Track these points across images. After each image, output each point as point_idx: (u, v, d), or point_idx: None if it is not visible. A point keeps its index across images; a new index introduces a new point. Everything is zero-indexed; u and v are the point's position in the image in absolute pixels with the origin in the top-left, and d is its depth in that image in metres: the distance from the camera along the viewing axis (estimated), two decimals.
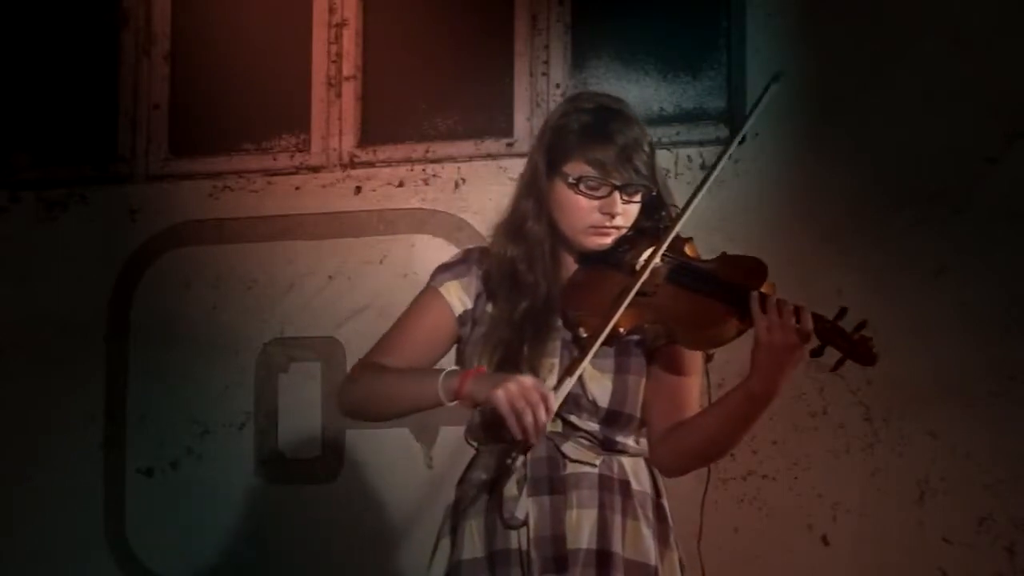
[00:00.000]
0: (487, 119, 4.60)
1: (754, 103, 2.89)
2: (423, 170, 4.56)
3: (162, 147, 4.78)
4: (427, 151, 4.58)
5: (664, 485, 2.93)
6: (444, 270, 3.03)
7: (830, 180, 4.17)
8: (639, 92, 4.42)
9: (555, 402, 2.70)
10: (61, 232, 4.77)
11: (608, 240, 2.88)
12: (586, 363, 2.78)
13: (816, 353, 2.69)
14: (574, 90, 4.52)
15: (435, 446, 4.42)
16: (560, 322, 2.88)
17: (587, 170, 2.85)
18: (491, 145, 4.54)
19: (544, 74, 4.52)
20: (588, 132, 2.87)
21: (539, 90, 4.52)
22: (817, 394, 4.14)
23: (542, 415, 2.66)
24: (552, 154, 2.91)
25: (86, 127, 4.86)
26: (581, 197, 2.86)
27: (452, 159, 4.55)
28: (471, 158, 4.54)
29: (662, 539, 2.89)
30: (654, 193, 2.90)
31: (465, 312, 2.96)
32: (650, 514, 2.88)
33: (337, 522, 4.47)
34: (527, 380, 2.71)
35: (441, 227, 4.50)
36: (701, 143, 4.33)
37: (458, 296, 2.97)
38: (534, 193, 2.93)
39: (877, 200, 4.14)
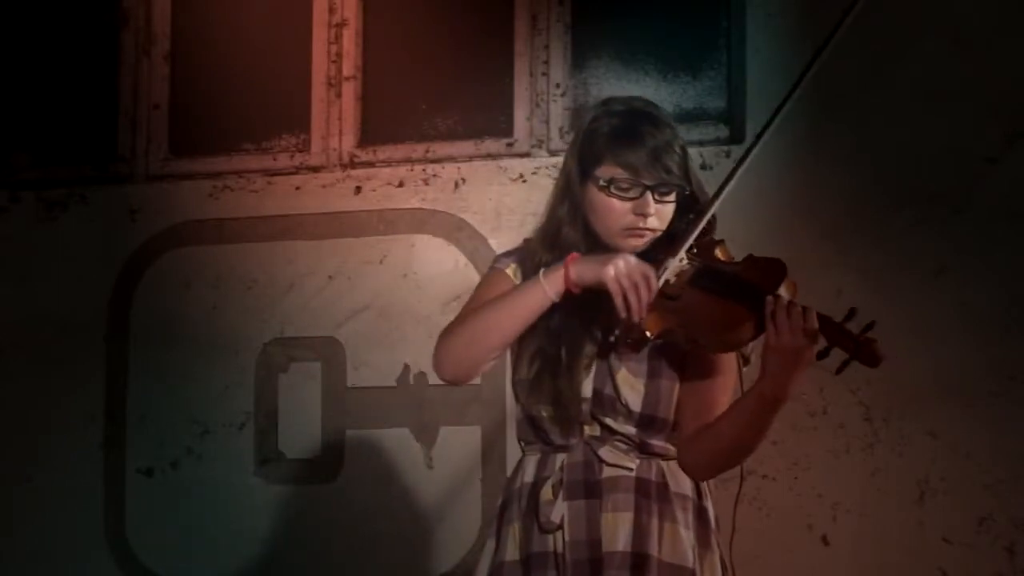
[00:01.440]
0: (487, 119, 4.60)
1: (843, 14, 2.90)
2: (423, 170, 4.56)
3: (162, 147, 4.78)
4: (427, 151, 4.58)
5: (706, 489, 2.94)
6: (506, 256, 3.05)
7: (830, 180, 4.17)
8: (639, 92, 4.41)
9: (656, 282, 2.75)
10: (61, 232, 4.77)
11: (642, 242, 2.89)
12: (680, 256, 2.81)
13: (822, 355, 2.70)
14: (573, 88, 4.53)
15: (435, 446, 4.42)
16: (595, 327, 2.90)
17: (618, 172, 2.86)
18: (491, 145, 4.54)
19: (544, 74, 4.52)
20: (617, 134, 2.88)
21: (539, 90, 4.52)
22: (817, 394, 4.14)
23: (645, 293, 2.72)
24: (583, 159, 2.92)
25: (86, 127, 4.86)
26: (614, 199, 2.87)
27: (452, 159, 4.55)
28: (471, 158, 4.54)
29: (703, 541, 2.90)
30: (687, 192, 2.91)
31: None
32: (689, 516, 2.89)
33: (337, 522, 4.47)
34: (630, 259, 2.76)
35: (441, 227, 4.51)
36: (701, 143, 4.33)
37: (518, 279, 2.99)
38: (568, 198, 2.94)
39: (877, 200, 4.14)
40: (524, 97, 4.54)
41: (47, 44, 4.92)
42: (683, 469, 2.92)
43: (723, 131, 4.38)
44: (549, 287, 2.81)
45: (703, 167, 4.22)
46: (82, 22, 4.91)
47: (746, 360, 2.93)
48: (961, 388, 4.06)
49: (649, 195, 2.86)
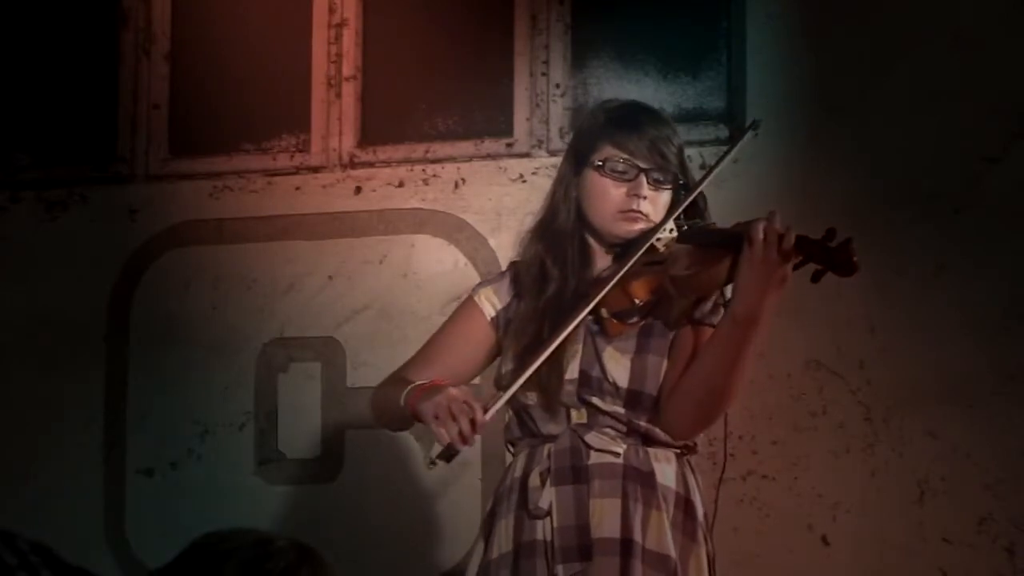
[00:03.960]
0: (487, 119, 4.60)
1: (727, 149, 2.95)
2: (423, 170, 4.56)
3: (162, 147, 4.78)
4: (427, 151, 4.58)
5: (694, 484, 2.94)
6: (482, 281, 3.10)
7: (830, 180, 4.17)
8: (639, 92, 4.42)
9: (482, 415, 2.77)
10: (61, 232, 4.76)
11: (637, 227, 2.90)
12: (565, 334, 2.81)
13: (796, 266, 2.73)
14: (573, 88, 4.53)
15: (435, 446, 4.41)
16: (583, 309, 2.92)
17: (614, 152, 2.90)
18: (491, 145, 4.54)
19: (544, 74, 4.52)
20: (616, 121, 2.94)
21: (539, 90, 4.52)
22: (817, 394, 4.14)
23: (466, 425, 2.76)
24: (580, 148, 2.97)
25: (86, 127, 4.86)
26: (608, 181, 2.91)
27: (452, 159, 4.55)
28: (471, 158, 4.54)
29: (688, 534, 2.90)
30: (682, 183, 2.93)
31: (498, 313, 3.00)
32: (672, 507, 2.89)
33: (337, 522, 4.47)
34: (456, 393, 2.79)
35: (441, 227, 4.50)
36: (701, 143, 4.32)
37: (490, 300, 3.02)
38: (563, 188, 2.98)
39: (877, 200, 4.14)
40: (524, 97, 4.54)
41: (47, 44, 4.91)
42: (665, 429, 2.91)
43: (723, 131, 4.38)
44: (405, 404, 2.90)
45: (703, 167, 4.22)
46: (82, 22, 4.90)
47: None
48: (961, 388, 4.05)
49: (643, 178, 2.89)
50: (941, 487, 4.06)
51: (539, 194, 4.35)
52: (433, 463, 2.84)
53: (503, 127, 4.57)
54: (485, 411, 2.79)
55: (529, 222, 3.07)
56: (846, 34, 4.21)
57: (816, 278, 2.72)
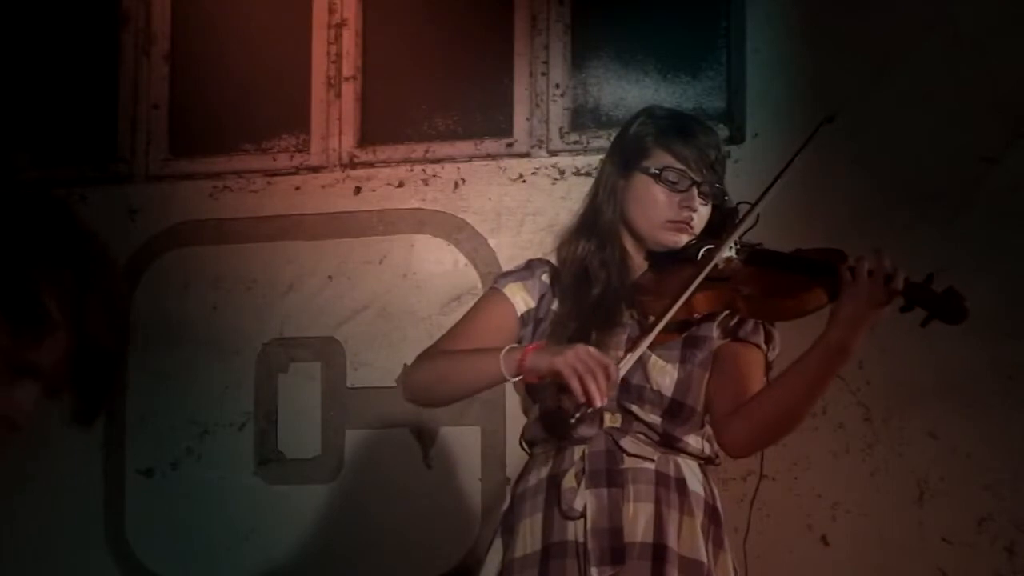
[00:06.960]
0: (487, 119, 4.60)
1: (804, 141, 2.92)
2: (423, 170, 4.56)
3: (162, 147, 4.78)
4: (427, 151, 4.58)
5: (717, 492, 2.95)
6: (506, 275, 3.07)
7: (829, 181, 4.17)
8: (639, 92, 4.42)
9: (616, 371, 2.71)
10: None
11: (684, 238, 2.90)
12: (652, 336, 2.79)
13: (905, 309, 2.71)
14: (573, 88, 4.53)
15: (435, 446, 4.42)
16: (627, 316, 2.91)
17: (671, 161, 2.90)
18: (491, 145, 4.54)
19: (544, 74, 4.52)
20: (671, 128, 2.95)
21: (539, 90, 4.52)
22: None
23: (602, 380, 2.69)
24: (628, 152, 2.95)
25: (86, 127, 4.86)
26: (660, 189, 2.90)
27: (452, 159, 4.55)
28: (471, 158, 4.53)
29: (716, 541, 2.91)
30: (726, 197, 2.94)
31: (528, 311, 2.98)
32: (703, 514, 2.90)
33: (337, 522, 4.47)
34: (589, 348, 2.73)
35: (441, 227, 4.50)
36: None
37: (521, 296, 3.00)
38: (607, 190, 2.97)
39: (877, 200, 4.14)
40: (524, 97, 4.54)
41: (47, 44, 4.91)
42: (726, 447, 2.92)
43: (723, 131, 4.37)
44: (506, 368, 2.80)
45: None
46: (82, 22, 4.90)
47: (768, 365, 2.95)
48: (961, 388, 4.06)
49: (695, 190, 2.90)
50: (941, 487, 4.06)
51: (539, 194, 4.38)
52: (576, 420, 2.75)
53: (503, 127, 4.57)
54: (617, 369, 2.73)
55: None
56: (846, 34, 4.20)
57: (925, 324, 2.71)
